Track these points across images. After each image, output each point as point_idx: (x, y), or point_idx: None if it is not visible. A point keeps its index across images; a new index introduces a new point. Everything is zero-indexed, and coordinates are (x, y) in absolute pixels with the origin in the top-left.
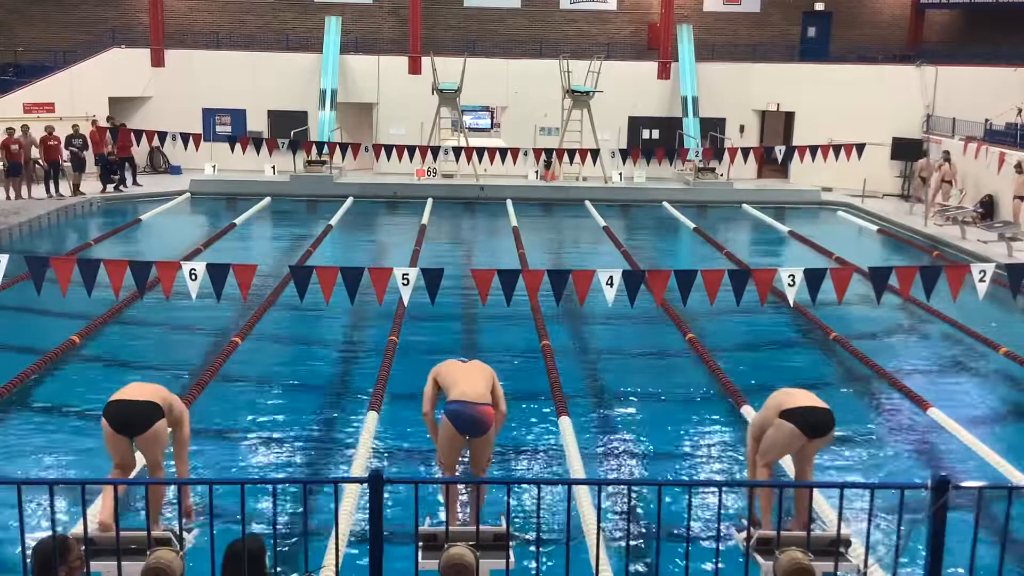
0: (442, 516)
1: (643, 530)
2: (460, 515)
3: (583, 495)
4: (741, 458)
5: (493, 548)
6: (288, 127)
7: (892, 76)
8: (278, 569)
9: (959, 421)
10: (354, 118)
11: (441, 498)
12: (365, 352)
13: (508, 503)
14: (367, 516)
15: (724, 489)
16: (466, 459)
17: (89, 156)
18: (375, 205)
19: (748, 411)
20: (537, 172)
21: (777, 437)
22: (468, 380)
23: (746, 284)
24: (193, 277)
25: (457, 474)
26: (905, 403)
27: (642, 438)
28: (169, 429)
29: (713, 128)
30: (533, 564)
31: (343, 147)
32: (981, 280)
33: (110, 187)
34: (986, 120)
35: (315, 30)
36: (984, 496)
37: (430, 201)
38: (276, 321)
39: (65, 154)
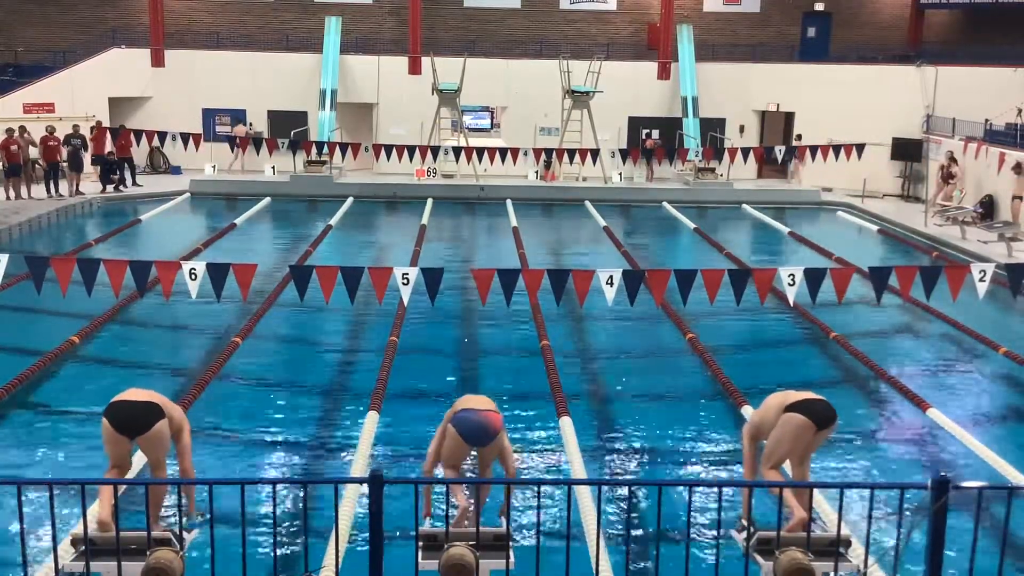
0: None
1: (643, 530)
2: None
3: (583, 495)
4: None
5: (493, 548)
6: (288, 127)
7: (892, 76)
8: (278, 569)
9: (959, 421)
10: (354, 118)
11: (440, 507)
12: (365, 352)
13: (508, 503)
14: (367, 516)
15: (724, 489)
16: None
17: (88, 157)
18: (375, 205)
19: (748, 411)
20: (537, 172)
21: (786, 431)
22: (477, 401)
23: (746, 284)
24: (193, 277)
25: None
26: (905, 403)
27: (642, 438)
28: (171, 438)
29: (713, 128)
30: (533, 564)
31: (343, 147)
32: (981, 280)
33: (110, 187)
34: (986, 120)
35: (315, 30)
36: (984, 496)
37: (430, 201)
38: (276, 321)
39: (63, 153)
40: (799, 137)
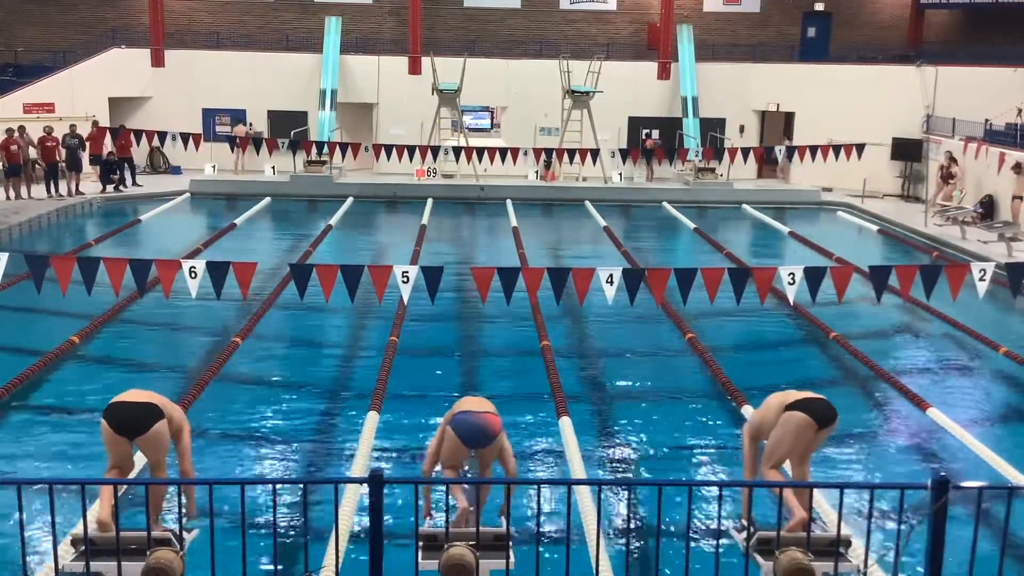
0: (441, 517)
1: (643, 530)
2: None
3: (583, 495)
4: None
5: (493, 548)
6: (288, 127)
7: (892, 76)
8: (278, 569)
9: (959, 421)
10: (354, 118)
11: (436, 512)
12: (365, 352)
13: (508, 503)
14: (367, 516)
15: (724, 489)
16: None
17: (86, 157)
18: (375, 205)
19: (748, 411)
20: (537, 172)
21: (787, 430)
22: (475, 403)
23: (746, 283)
24: (193, 275)
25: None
26: (905, 403)
27: (642, 438)
28: (171, 439)
29: (713, 128)
30: (533, 564)
31: (343, 147)
32: (981, 280)
33: (110, 187)
34: (986, 120)
35: (315, 30)
36: (984, 496)
37: (430, 201)
38: (276, 321)
39: (62, 153)
40: (787, 136)
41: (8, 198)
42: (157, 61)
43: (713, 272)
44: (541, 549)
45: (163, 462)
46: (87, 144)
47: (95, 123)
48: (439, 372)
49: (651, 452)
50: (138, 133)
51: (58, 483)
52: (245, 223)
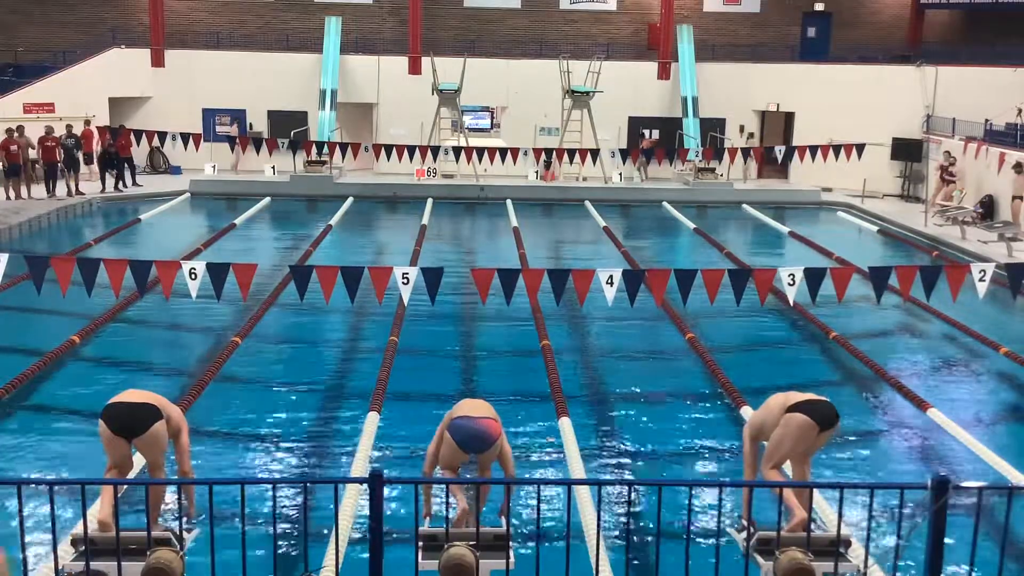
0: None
1: (643, 530)
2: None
3: (583, 495)
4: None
5: (493, 548)
6: (288, 127)
7: (892, 76)
8: (278, 569)
9: (959, 421)
10: (354, 118)
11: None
12: (365, 352)
13: (508, 503)
14: (367, 516)
15: (724, 489)
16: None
17: (83, 156)
18: (375, 205)
19: (747, 411)
20: (537, 172)
21: (788, 431)
22: (474, 406)
23: (746, 284)
24: (193, 277)
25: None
26: (905, 403)
27: (642, 438)
28: (169, 439)
29: (713, 128)
30: (533, 564)
31: (343, 147)
32: (981, 280)
33: (109, 180)
34: (986, 120)
35: (315, 30)
36: (984, 496)
37: (430, 201)
38: (276, 321)
39: (61, 153)
40: (751, 135)
41: (8, 198)
42: (157, 61)
43: (713, 273)
44: (541, 549)
45: (161, 462)
46: (82, 143)
47: (87, 122)
48: (439, 372)
49: (651, 452)
50: (138, 133)
51: (58, 483)
52: (245, 223)
